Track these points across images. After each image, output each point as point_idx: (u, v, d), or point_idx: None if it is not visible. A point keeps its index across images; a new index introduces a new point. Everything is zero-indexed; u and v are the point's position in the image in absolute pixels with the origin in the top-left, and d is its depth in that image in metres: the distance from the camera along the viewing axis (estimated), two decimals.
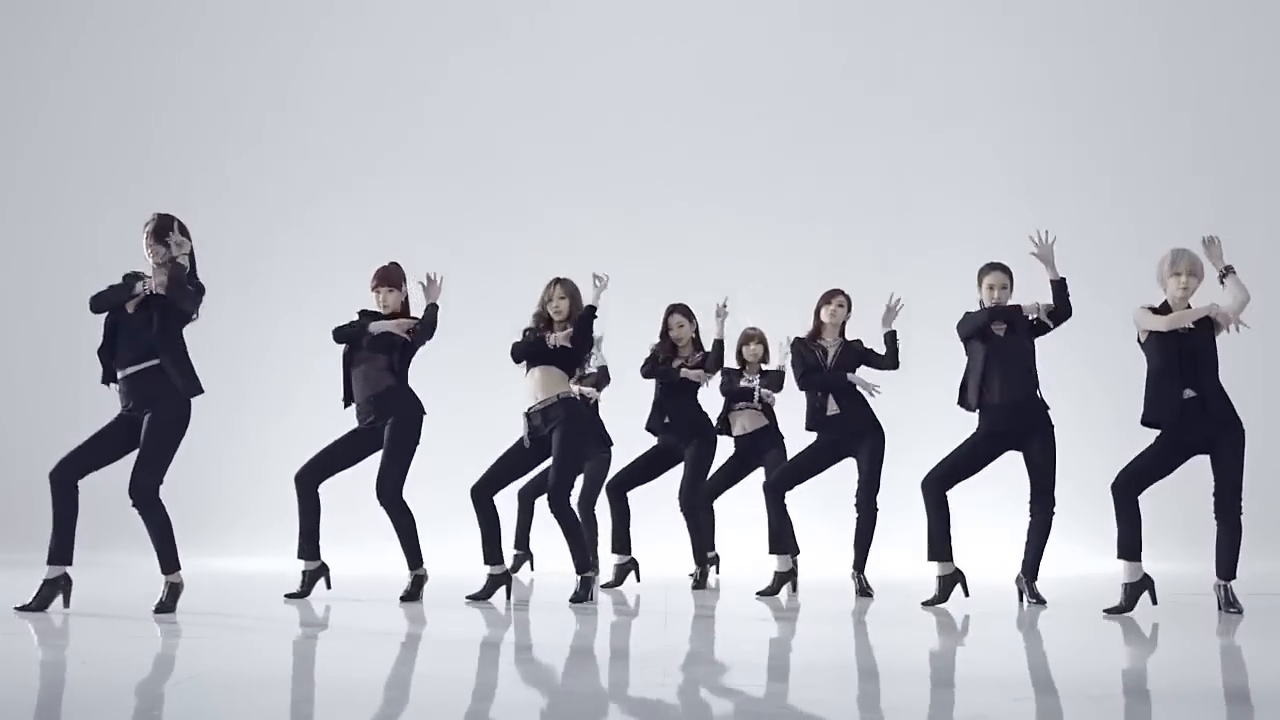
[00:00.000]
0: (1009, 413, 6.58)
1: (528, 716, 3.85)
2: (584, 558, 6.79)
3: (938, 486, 6.64)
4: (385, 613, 6.41)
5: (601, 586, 7.58)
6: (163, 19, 10.75)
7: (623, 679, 4.52)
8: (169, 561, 6.02)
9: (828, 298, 7.28)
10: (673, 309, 7.72)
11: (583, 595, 6.68)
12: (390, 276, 6.75)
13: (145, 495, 5.92)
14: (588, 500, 7.90)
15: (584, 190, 10.43)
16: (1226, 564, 6.23)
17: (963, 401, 6.72)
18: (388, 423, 6.66)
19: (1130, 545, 6.25)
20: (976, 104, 10.37)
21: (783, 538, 7.29)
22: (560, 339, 6.65)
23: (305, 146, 10.54)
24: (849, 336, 7.30)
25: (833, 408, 7.17)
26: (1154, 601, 6.27)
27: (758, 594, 7.24)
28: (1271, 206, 10.11)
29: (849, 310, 7.27)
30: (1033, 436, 6.60)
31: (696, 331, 7.71)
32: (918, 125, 10.36)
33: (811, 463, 7.26)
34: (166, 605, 5.99)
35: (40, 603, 5.96)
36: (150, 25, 10.74)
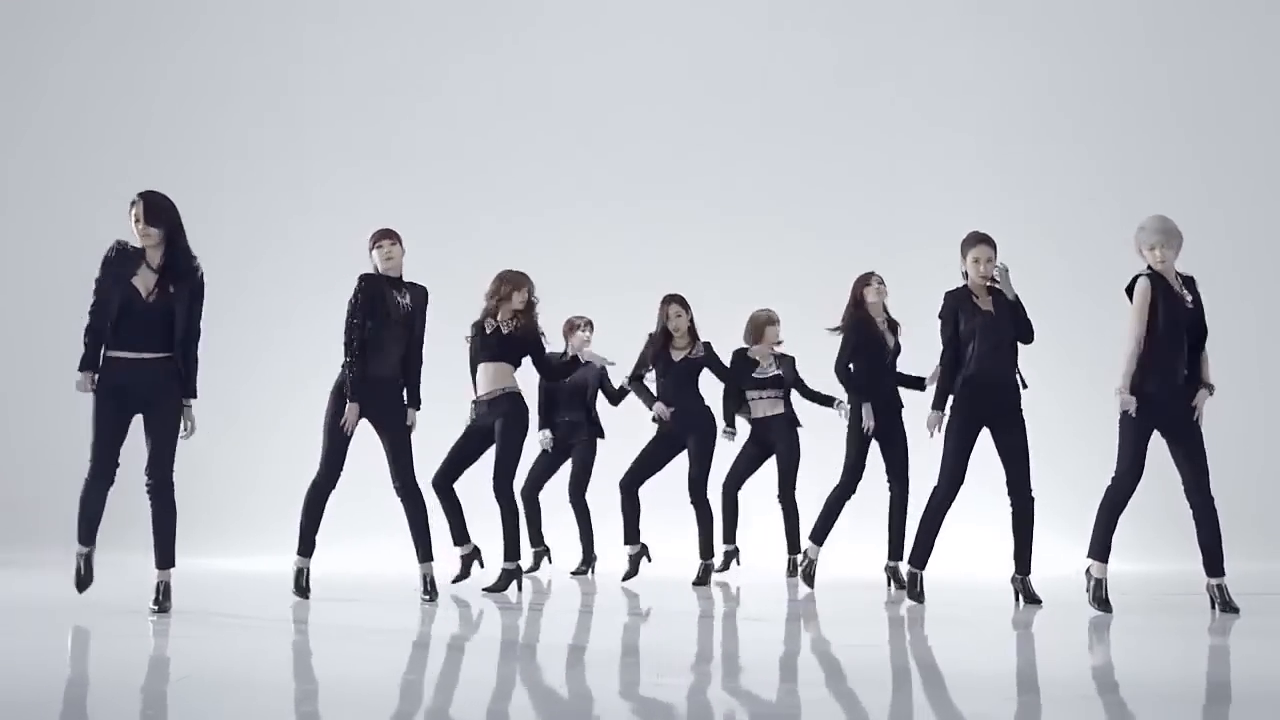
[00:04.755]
0: (984, 392, 6.50)
1: (520, 716, 3.86)
2: (516, 549, 6.97)
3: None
4: (377, 611, 6.43)
5: (622, 579, 7.78)
6: (157, 18, 10.72)
7: (616, 679, 4.53)
8: (167, 556, 5.96)
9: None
10: (669, 299, 7.82)
11: (502, 586, 6.93)
12: (391, 231, 6.78)
13: (163, 483, 5.90)
14: (578, 487, 8.18)
15: (578, 188, 10.42)
16: (1212, 557, 6.13)
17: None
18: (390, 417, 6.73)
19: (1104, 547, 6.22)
20: (969, 101, 10.36)
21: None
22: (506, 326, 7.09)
23: (304, 146, 10.52)
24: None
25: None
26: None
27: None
28: (1266, 204, 10.11)
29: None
30: (1003, 419, 6.52)
31: (692, 321, 7.82)
32: (911, 123, 10.35)
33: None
34: (164, 605, 5.94)
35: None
36: (146, 24, 10.71)
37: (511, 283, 7.12)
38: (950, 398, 6.52)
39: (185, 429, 5.95)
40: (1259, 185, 10.12)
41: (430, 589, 6.67)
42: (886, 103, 10.40)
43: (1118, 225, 9.23)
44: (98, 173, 10.31)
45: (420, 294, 6.77)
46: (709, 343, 7.85)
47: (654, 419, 7.83)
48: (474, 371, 7.24)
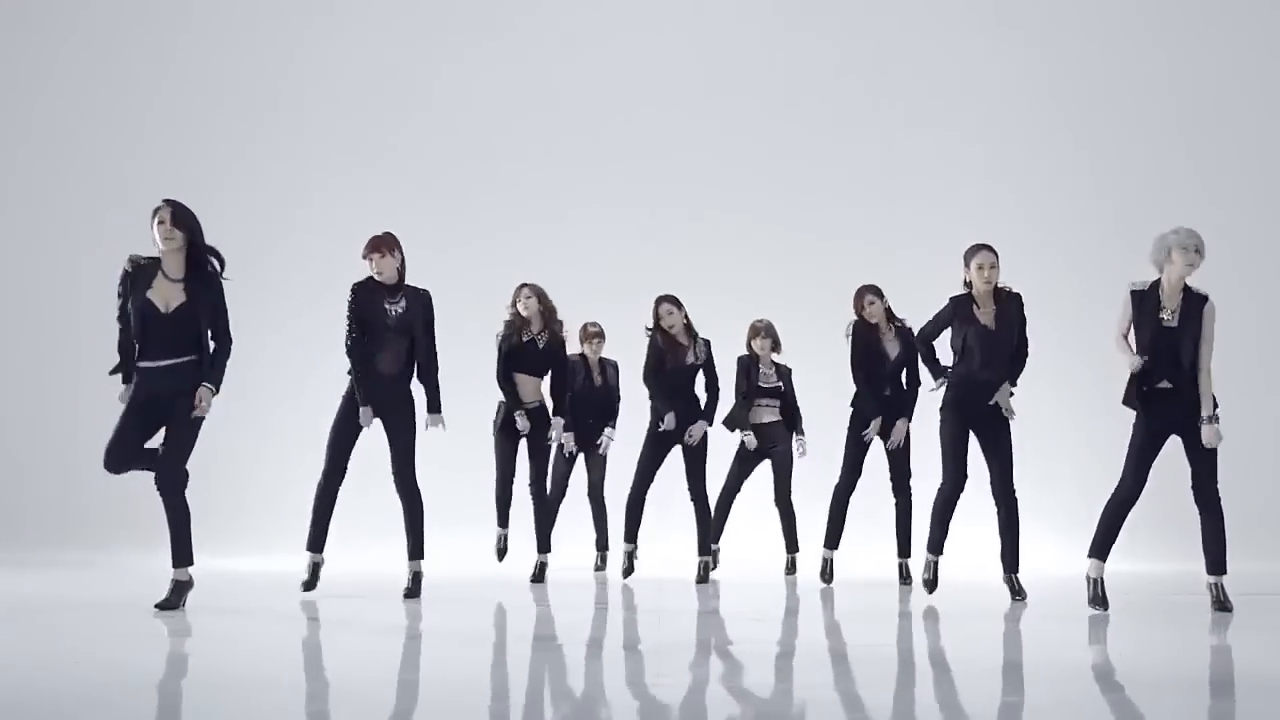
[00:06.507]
0: (971, 396, 6.62)
1: (531, 713, 3.86)
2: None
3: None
4: (386, 608, 6.43)
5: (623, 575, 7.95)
6: (159, 16, 10.73)
7: (621, 675, 4.54)
8: (183, 554, 5.98)
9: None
10: (660, 299, 7.80)
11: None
12: (382, 243, 6.66)
13: (174, 482, 5.93)
14: (596, 489, 8.36)
15: (580, 189, 10.43)
16: (1215, 556, 6.14)
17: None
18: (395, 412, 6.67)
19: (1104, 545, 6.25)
20: (967, 101, 10.37)
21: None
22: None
23: (305, 145, 10.54)
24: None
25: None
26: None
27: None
28: (1261, 202, 10.12)
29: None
30: (991, 421, 6.62)
31: (687, 317, 7.80)
32: (909, 121, 10.36)
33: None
34: (171, 602, 5.95)
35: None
36: (148, 24, 10.72)
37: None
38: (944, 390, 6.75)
39: (200, 407, 5.97)
40: (1259, 185, 10.13)
41: (413, 586, 6.64)
42: (889, 104, 10.41)
43: (1120, 226, 9.29)
44: (97, 174, 10.34)
45: (418, 298, 6.66)
46: (709, 341, 7.86)
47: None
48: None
